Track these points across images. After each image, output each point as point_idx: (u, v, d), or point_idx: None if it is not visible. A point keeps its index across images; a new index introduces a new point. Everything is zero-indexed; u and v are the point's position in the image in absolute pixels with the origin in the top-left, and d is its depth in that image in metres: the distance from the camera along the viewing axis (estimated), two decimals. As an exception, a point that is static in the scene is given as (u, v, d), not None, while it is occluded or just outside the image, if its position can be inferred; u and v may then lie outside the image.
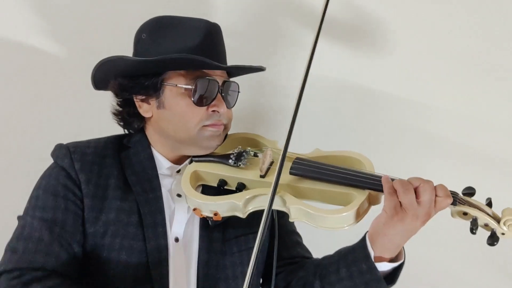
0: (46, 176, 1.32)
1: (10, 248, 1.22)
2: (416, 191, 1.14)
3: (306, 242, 1.51)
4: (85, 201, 1.28)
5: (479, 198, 1.19)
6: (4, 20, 1.71)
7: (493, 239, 1.14)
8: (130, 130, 1.43)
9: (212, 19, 1.36)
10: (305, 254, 1.46)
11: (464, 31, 1.60)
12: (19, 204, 1.32)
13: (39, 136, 1.75)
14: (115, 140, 1.41)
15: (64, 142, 1.36)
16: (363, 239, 1.23)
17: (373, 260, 1.20)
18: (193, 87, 1.29)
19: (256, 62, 1.42)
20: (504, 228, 1.13)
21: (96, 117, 1.44)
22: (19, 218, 1.30)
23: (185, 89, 1.30)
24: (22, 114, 1.78)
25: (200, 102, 1.30)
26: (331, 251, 1.36)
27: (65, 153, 1.32)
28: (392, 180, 1.19)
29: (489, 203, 1.18)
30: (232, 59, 1.40)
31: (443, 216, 1.18)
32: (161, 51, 1.30)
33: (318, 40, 1.15)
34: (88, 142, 1.38)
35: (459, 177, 1.21)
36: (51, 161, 1.35)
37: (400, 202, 1.14)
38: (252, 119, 1.77)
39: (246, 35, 1.75)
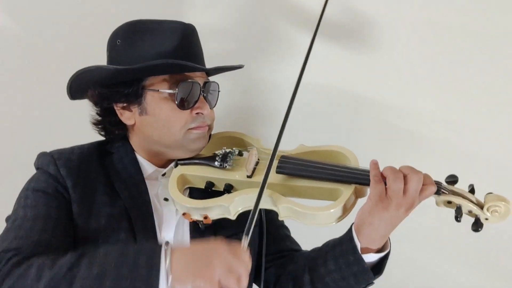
0: (34, 179, 1.30)
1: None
2: (404, 179, 1.15)
3: (294, 235, 1.52)
4: (72, 207, 1.26)
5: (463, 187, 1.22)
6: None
7: (477, 225, 1.16)
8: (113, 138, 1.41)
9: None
10: (294, 247, 1.48)
11: (458, 33, 1.61)
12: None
13: (22, 143, 1.73)
14: (98, 146, 1.40)
15: (48, 149, 1.33)
16: (350, 231, 1.25)
17: (360, 251, 1.22)
18: (176, 91, 1.28)
19: (248, 62, 1.43)
20: (488, 214, 1.16)
21: (79, 124, 1.42)
22: (8, 218, 1.25)
23: (168, 93, 1.29)
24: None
25: (184, 105, 1.29)
26: (318, 243, 1.38)
27: (50, 160, 1.30)
28: None
29: (472, 190, 1.21)
30: (223, 60, 1.41)
31: (431, 216, 1.20)
32: (138, 56, 1.28)
33: (312, 45, 1.15)
34: (72, 148, 1.37)
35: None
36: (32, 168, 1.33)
37: (386, 189, 1.16)
38: (239, 118, 1.78)
39: (240, 35, 1.75)
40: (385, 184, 1.17)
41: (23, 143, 1.73)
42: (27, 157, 1.38)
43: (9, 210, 1.28)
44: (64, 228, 1.22)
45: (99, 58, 1.38)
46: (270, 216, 1.44)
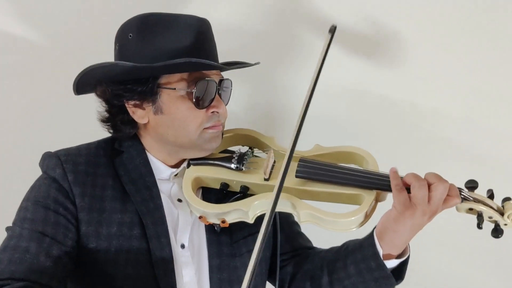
0: (36, 187, 1.25)
1: None
2: (429, 188, 1.15)
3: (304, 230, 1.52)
4: (80, 215, 1.22)
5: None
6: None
7: (497, 232, 1.18)
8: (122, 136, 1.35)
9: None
10: (307, 244, 1.47)
11: (480, 32, 1.60)
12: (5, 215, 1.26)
13: (28, 142, 1.66)
14: (106, 145, 1.34)
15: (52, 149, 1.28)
16: (371, 236, 1.24)
17: (382, 258, 1.21)
18: (194, 90, 1.23)
19: (265, 61, 1.40)
20: (508, 220, 1.18)
21: (85, 120, 1.37)
22: (7, 229, 1.23)
23: (185, 92, 1.24)
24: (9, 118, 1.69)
25: (200, 104, 1.25)
26: (332, 241, 1.38)
27: (56, 163, 1.25)
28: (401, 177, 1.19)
29: (491, 195, 1.22)
30: (236, 57, 1.38)
31: (446, 218, 1.20)
32: (153, 52, 1.22)
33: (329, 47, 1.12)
34: (79, 149, 1.31)
35: (461, 178, 1.23)
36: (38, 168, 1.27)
37: (409, 196, 1.15)
38: (257, 117, 1.75)
39: (258, 36, 1.71)
40: (408, 191, 1.17)
41: (26, 140, 1.67)
42: (31, 154, 1.33)
43: (13, 207, 1.25)
44: (60, 246, 1.19)
45: (103, 53, 1.32)
46: (282, 214, 1.42)
